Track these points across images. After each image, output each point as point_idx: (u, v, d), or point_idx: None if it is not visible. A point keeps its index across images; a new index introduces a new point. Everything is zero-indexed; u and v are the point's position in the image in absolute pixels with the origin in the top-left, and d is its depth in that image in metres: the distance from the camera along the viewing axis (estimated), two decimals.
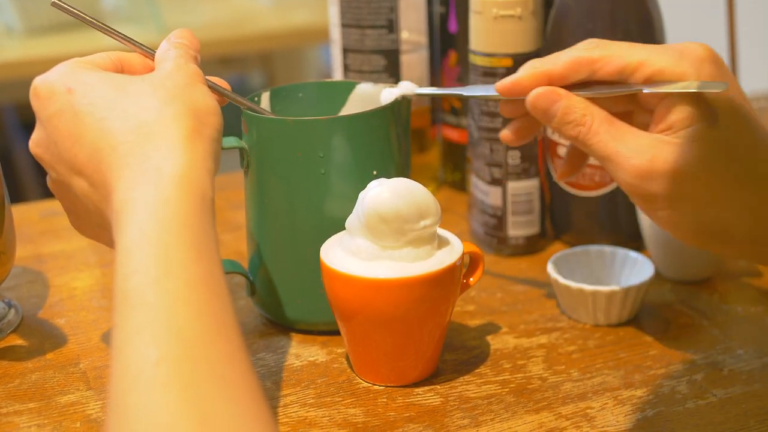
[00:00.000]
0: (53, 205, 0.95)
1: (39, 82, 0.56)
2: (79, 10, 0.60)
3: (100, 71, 0.56)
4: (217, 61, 2.11)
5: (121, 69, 0.60)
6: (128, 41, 0.61)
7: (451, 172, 0.96)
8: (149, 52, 0.61)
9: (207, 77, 0.60)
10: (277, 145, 0.66)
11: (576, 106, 0.55)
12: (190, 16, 2.06)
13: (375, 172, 0.67)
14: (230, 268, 0.69)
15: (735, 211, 0.53)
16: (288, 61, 2.21)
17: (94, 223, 0.56)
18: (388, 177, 0.67)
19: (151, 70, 0.60)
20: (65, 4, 0.60)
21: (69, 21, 1.85)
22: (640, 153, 0.52)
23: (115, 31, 0.61)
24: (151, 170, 0.50)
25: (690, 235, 0.54)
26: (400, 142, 0.69)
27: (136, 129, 0.52)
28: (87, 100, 0.54)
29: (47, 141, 0.55)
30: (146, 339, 0.44)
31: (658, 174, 0.52)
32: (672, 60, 0.54)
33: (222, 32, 1.91)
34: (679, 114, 0.53)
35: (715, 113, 0.53)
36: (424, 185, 0.93)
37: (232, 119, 0.78)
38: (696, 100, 0.53)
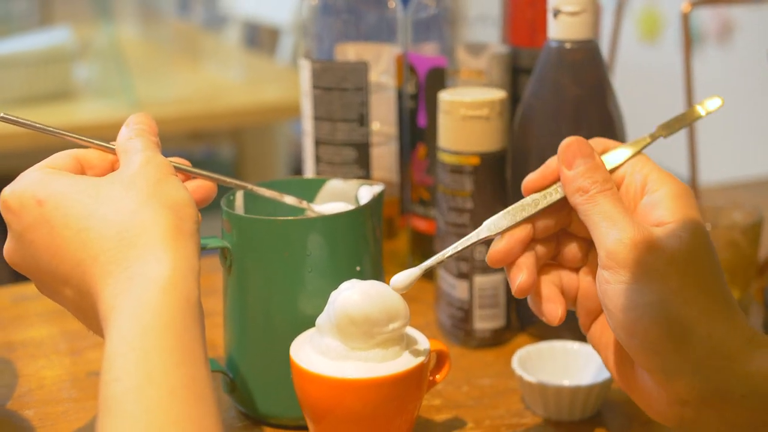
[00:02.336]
0: (25, 290, 0.95)
1: (8, 194, 0.56)
2: (28, 120, 0.60)
3: (67, 176, 0.56)
4: (188, 135, 2.13)
5: (81, 168, 0.59)
6: (84, 141, 0.61)
7: (419, 261, 0.97)
8: (109, 148, 0.61)
9: (171, 159, 0.60)
10: (262, 245, 0.68)
11: (602, 168, 0.57)
12: (161, 91, 2.08)
13: (358, 268, 0.69)
14: (210, 367, 0.70)
15: (698, 312, 0.53)
16: (258, 135, 2.23)
17: (93, 322, 0.55)
18: (369, 271, 0.69)
19: (112, 164, 0.60)
20: (13, 116, 0.60)
21: (42, 93, 1.87)
22: (641, 226, 0.55)
23: (68, 133, 0.61)
24: (136, 276, 0.51)
25: (644, 325, 0.53)
26: (375, 235, 0.71)
27: (116, 236, 0.52)
28: (60, 212, 0.54)
29: (23, 253, 0.56)
30: None
31: (653, 247, 0.54)
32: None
33: (193, 107, 1.93)
34: (663, 211, 0.55)
35: (689, 224, 0.55)
36: (392, 272, 0.95)
37: (212, 219, 0.79)
38: (677, 205, 0.56)
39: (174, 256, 0.52)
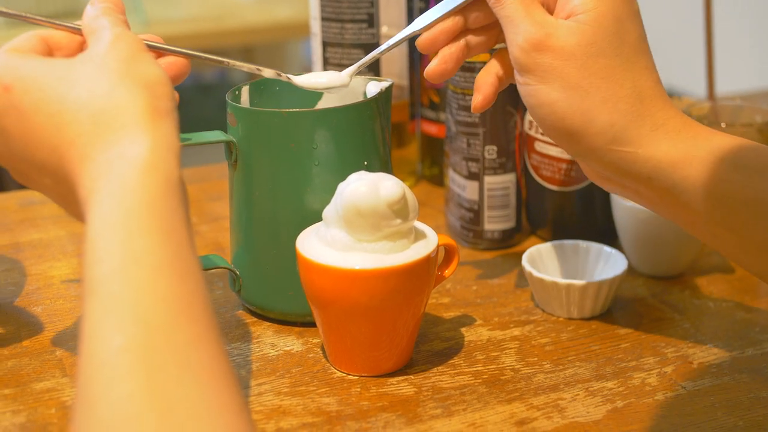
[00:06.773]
0: (32, 195, 0.95)
1: None
2: None
3: (35, 58, 0.54)
4: None
5: (49, 50, 0.57)
6: (49, 23, 0.59)
7: (429, 167, 0.96)
8: (75, 29, 0.58)
9: (142, 36, 0.58)
10: (268, 137, 0.67)
11: None
12: (172, 9, 2.06)
13: (366, 163, 0.68)
14: (216, 263, 0.70)
15: (599, 101, 0.56)
16: (270, 55, 2.21)
17: (74, 208, 0.54)
18: (377, 166, 0.68)
19: (80, 45, 0.58)
20: None
21: (50, 12, 1.85)
22: (541, 25, 0.57)
23: (31, 15, 0.59)
24: (114, 159, 0.49)
25: (552, 119, 0.57)
26: (384, 134, 0.70)
27: (91, 118, 0.50)
28: (30, 96, 0.52)
29: None
30: (111, 327, 0.44)
31: (548, 48, 0.57)
32: None
33: (204, 26, 1.91)
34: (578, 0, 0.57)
35: (597, 13, 0.57)
36: (402, 180, 0.94)
37: (216, 114, 0.78)
38: None
39: (152, 137, 0.50)
